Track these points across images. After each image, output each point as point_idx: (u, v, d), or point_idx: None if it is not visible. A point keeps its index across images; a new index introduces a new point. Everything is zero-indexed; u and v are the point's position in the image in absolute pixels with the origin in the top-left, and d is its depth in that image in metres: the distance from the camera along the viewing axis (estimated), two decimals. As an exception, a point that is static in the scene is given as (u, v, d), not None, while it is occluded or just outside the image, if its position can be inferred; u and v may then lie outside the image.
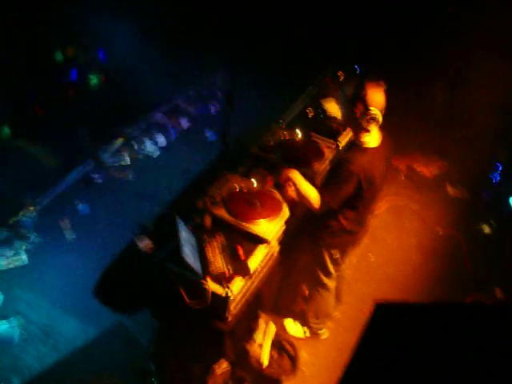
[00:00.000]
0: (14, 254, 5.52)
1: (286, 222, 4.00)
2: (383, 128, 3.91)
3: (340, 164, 3.84)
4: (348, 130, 4.85)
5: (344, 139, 4.85)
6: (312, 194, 3.79)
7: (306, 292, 4.94)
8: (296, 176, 3.90)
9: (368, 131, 3.80)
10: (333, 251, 4.32)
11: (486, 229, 6.24)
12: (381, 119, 3.76)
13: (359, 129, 3.83)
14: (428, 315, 1.44)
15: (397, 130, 3.93)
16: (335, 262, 4.42)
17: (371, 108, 3.68)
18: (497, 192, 6.52)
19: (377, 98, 3.71)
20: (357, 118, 3.77)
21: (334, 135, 4.85)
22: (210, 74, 8.59)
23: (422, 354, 1.33)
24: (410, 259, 5.92)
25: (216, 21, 7.66)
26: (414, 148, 7.06)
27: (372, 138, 3.86)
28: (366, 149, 3.85)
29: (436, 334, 1.38)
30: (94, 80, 7.51)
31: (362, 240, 4.48)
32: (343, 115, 4.01)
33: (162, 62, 7.76)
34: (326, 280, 4.52)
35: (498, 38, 6.16)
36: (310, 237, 4.35)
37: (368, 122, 3.73)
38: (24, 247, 5.59)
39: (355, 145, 3.93)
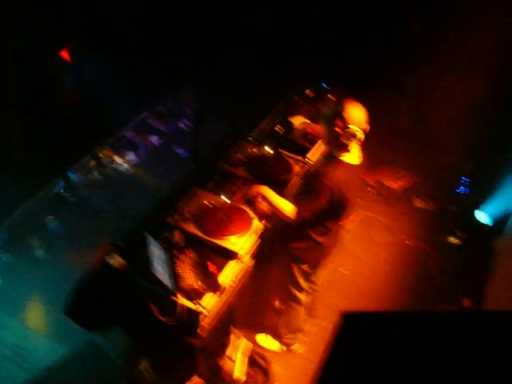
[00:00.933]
0: (-20, 271, 5.48)
1: (260, 237, 4.03)
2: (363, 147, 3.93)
3: (314, 177, 3.83)
4: (318, 144, 4.90)
5: (314, 156, 4.88)
6: (286, 207, 3.80)
7: (277, 305, 4.95)
8: (266, 191, 3.93)
9: (348, 151, 3.80)
10: (303, 266, 4.34)
11: (454, 240, 6.33)
12: (362, 136, 3.74)
13: (339, 146, 3.79)
14: (395, 323, 1.47)
15: (363, 144, 3.95)
16: (306, 277, 4.45)
17: (349, 126, 3.66)
18: (463, 204, 6.62)
19: (356, 114, 3.68)
20: (337, 135, 3.72)
21: (301, 152, 4.89)
22: (180, 91, 8.61)
23: (389, 361, 1.36)
24: (381, 272, 5.98)
25: (184, 38, 7.68)
26: (381, 162, 7.15)
27: (351, 156, 3.85)
28: (343, 163, 3.83)
29: (403, 342, 1.41)
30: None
31: (333, 253, 4.51)
32: (322, 133, 4.00)
33: (129, 78, 7.76)
34: (297, 294, 4.54)
35: (463, 53, 6.28)
36: (281, 251, 4.38)
37: (348, 138, 3.70)
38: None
39: (332, 158, 3.89)
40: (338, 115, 3.69)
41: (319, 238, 4.11)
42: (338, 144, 3.80)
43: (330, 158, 3.91)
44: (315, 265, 4.46)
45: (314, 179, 3.82)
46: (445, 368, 1.34)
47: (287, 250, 4.28)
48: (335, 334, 1.51)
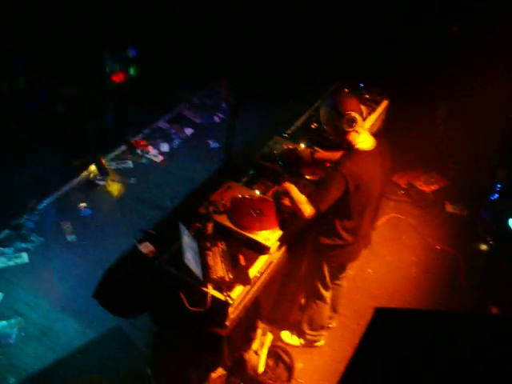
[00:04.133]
0: (14, 252, 5.58)
1: (289, 232, 4.05)
2: (379, 135, 3.95)
3: (330, 167, 3.89)
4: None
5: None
6: (303, 202, 3.81)
7: (303, 301, 4.97)
8: (290, 187, 3.94)
9: (356, 131, 3.82)
10: (332, 264, 4.35)
11: (484, 247, 6.27)
12: (360, 119, 3.79)
13: (344, 134, 3.84)
14: (429, 322, 1.48)
15: (399, 147, 3.95)
16: (334, 275, 4.47)
17: (346, 113, 3.73)
18: (495, 211, 6.55)
19: (349, 103, 3.78)
20: (337, 127, 3.80)
21: (335, 148, 4.88)
22: (215, 84, 8.67)
23: (422, 359, 1.37)
24: (408, 274, 5.94)
25: (223, 31, 7.74)
26: (416, 165, 7.12)
27: (362, 139, 3.87)
28: (357, 150, 3.85)
29: (436, 341, 1.42)
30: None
31: (362, 253, 4.51)
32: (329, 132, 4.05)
33: (167, 71, 7.84)
34: (323, 291, 4.55)
35: (503, 57, 6.21)
36: (311, 248, 4.39)
37: (348, 124, 3.75)
38: (25, 246, 5.64)
39: (345, 148, 3.93)
40: (333, 110, 3.79)
41: (348, 237, 4.12)
42: (344, 134, 3.84)
43: (345, 148, 3.95)
44: (344, 265, 4.48)
45: (328, 169, 3.88)
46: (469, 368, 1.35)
47: (317, 247, 4.28)
48: (367, 328, 1.52)
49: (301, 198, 3.84)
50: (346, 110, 3.74)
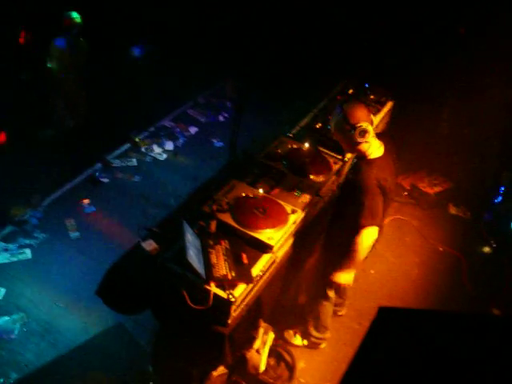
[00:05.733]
0: (17, 248, 5.59)
1: (296, 231, 4.07)
2: (383, 136, 3.96)
3: (354, 186, 3.85)
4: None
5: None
6: (365, 247, 3.90)
7: (307, 302, 4.97)
8: (346, 275, 4.10)
9: (367, 142, 3.80)
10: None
11: (486, 249, 6.28)
12: (371, 129, 3.76)
13: (356, 145, 3.82)
14: (432, 322, 1.48)
15: (403, 147, 3.95)
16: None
17: (358, 125, 3.70)
18: (498, 214, 6.55)
19: (358, 113, 3.74)
20: (349, 138, 3.78)
21: (340, 150, 4.89)
22: (220, 84, 8.69)
23: (424, 359, 1.38)
24: (410, 276, 5.94)
25: (229, 32, 7.76)
26: (420, 168, 7.12)
27: (373, 148, 3.86)
28: (372, 160, 3.85)
29: (439, 341, 1.42)
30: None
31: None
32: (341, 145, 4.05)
33: (173, 70, 7.86)
34: (329, 292, 4.56)
35: (508, 60, 6.21)
36: (317, 249, 4.39)
37: (360, 135, 3.73)
38: (28, 243, 5.66)
39: (360, 160, 3.92)
40: (344, 121, 3.74)
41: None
42: (356, 146, 3.82)
43: (359, 161, 3.94)
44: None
45: (355, 188, 3.83)
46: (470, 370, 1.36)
47: (325, 250, 4.30)
48: (370, 327, 1.52)
49: (362, 251, 3.91)
50: (358, 122, 3.71)
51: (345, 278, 4.12)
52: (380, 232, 4.05)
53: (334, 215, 4.35)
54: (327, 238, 4.41)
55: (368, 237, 3.85)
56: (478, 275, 5.91)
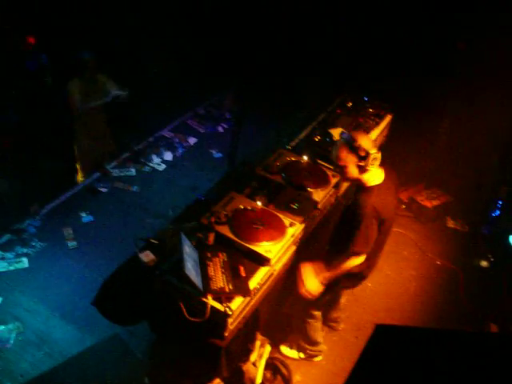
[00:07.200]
0: (15, 257, 5.59)
1: (295, 244, 4.08)
2: (383, 163, 3.96)
3: (353, 212, 3.87)
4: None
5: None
6: (348, 265, 3.94)
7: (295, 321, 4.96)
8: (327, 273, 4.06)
9: (366, 170, 3.83)
10: (337, 289, 4.50)
11: (484, 263, 6.27)
12: (379, 156, 3.80)
13: (362, 172, 3.84)
14: (428, 340, 1.48)
15: (401, 162, 3.95)
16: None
17: (371, 152, 3.74)
18: (496, 228, 6.55)
19: (368, 141, 3.80)
20: (359, 165, 3.79)
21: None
22: (220, 95, 8.71)
23: (420, 377, 1.38)
24: (407, 289, 5.94)
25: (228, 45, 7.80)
26: (417, 179, 7.13)
27: (373, 176, 3.88)
28: (371, 188, 3.87)
29: (435, 359, 1.42)
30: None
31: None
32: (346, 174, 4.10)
33: (174, 81, 7.88)
34: (314, 312, 4.58)
35: (506, 73, 6.22)
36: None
37: (373, 164, 3.77)
38: (25, 251, 5.66)
39: (360, 187, 3.95)
40: (357, 149, 3.75)
41: (364, 270, 4.22)
42: (363, 173, 3.84)
43: (360, 188, 3.96)
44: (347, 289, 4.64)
45: (354, 214, 3.85)
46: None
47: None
48: (367, 344, 1.52)
49: (345, 266, 3.95)
50: (370, 149, 3.74)
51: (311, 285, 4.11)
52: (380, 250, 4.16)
53: (333, 238, 4.37)
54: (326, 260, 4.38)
55: (354, 263, 3.94)
56: (475, 289, 5.90)
